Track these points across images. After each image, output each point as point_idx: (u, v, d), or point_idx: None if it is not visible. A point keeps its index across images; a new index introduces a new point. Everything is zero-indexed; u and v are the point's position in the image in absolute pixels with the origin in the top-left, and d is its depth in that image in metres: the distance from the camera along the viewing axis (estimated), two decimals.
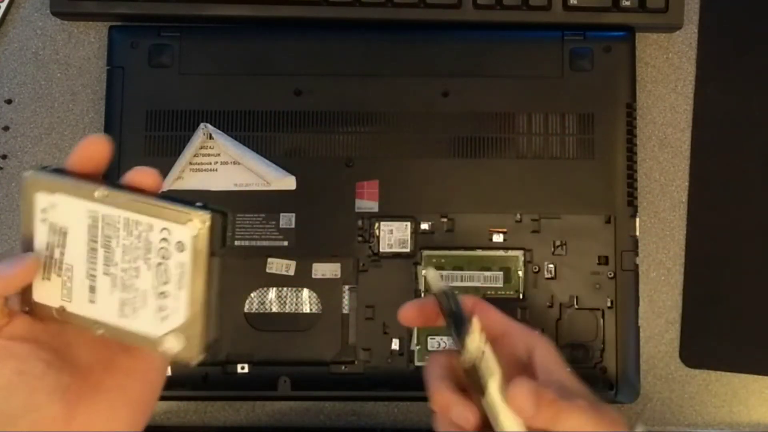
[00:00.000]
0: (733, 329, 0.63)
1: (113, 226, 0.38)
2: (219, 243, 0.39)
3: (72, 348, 0.39)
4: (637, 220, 0.61)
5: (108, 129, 0.62)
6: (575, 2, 0.63)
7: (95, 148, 0.40)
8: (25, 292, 0.39)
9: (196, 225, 0.39)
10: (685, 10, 0.64)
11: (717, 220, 0.64)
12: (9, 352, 0.37)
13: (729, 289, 0.63)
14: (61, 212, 0.39)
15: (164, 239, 0.38)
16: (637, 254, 0.61)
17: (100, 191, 0.38)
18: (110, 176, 0.60)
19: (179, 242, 0.38)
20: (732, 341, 0.63)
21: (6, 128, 0.65)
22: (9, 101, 0.65)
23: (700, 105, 0.65)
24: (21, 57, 0.66)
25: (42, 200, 0.39)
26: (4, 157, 0.65)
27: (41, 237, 0.39)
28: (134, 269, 0.38)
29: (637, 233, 0.61)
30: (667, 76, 0.66)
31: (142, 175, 0.39)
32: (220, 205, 0.40)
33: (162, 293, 0.38)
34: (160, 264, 0.38)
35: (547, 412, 0.39)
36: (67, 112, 0.65)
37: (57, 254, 0.39)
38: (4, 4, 0.65)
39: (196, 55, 0.62)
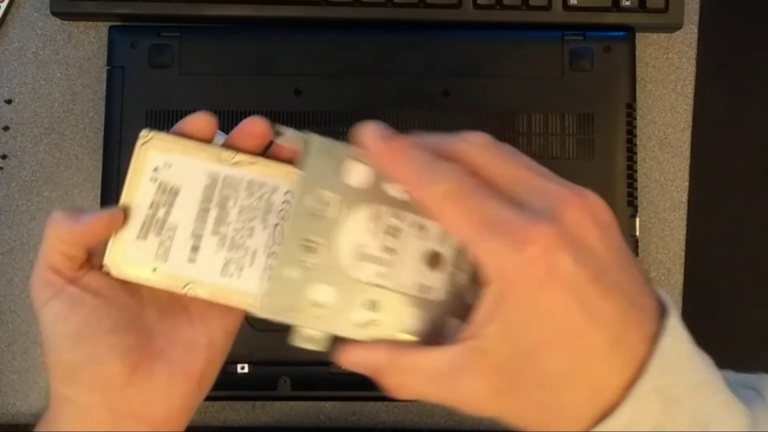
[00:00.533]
0: (733, 329, 0.63)
1: (233, 187, 0.38)
2: None
3: (144, 313, 0.39)
4: (637, 220, 0.61)
5: (108, 129, 0.62)
6: (575, 2, 0.63)
7: (204, 123, 0.40)
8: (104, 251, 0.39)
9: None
10: (685, 10, 0.64)
11: (717, 220, 0.64)
12: (82, 301, 0.38)
13: (729, 289, 0.63)
14: (177, 172, 0.39)
15: (286, 202, 0.38)
16: (637, 254, 0.61)
17: (227, 153, 0.39)
18: (107, 185, 0.61)
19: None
20: (732, 341, 0.63)
21: (6, 128, 0.65)
22: (9, 101, 0.65)
23: (700, 105, 0.65)
24: (21, 57, 0.66)
25: (156, 159, 0.40)
26: (4, 157, 0.65)
27: (146, 196, 0.39)
28: (248, 229, 0.38)
29: (637, 233, 0.61)
30: (667, 76, 0.66)
31: (251, 124, 0.39)
32: None
33: (274, 253, 0.37)
34: (277, 225, 0.38)
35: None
36: (67, 112, 0.65)
37: (161, 214, 0.39)
38: (4, 4, 0.65)
39: (196, 55, 0.62)
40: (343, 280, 0.34)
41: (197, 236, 0.38)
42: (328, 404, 0.62)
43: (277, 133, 0.37)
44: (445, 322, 0.34)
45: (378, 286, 0.35)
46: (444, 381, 0.31)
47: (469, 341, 0.31)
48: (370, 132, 0.35)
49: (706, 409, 0.31)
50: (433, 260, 0.35)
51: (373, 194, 0.35)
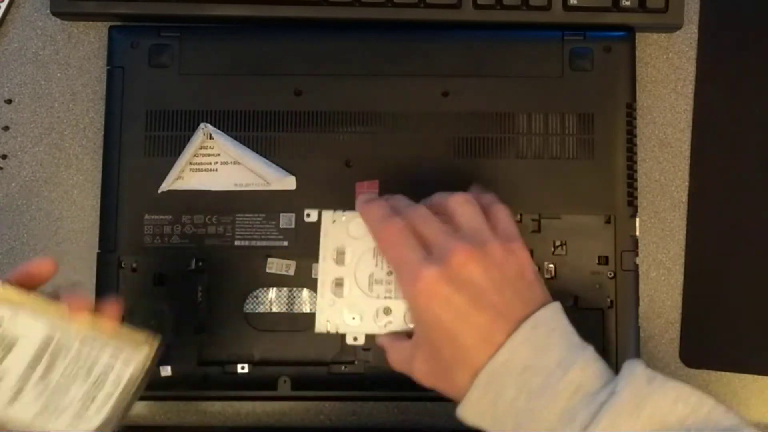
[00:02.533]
0: (733, 329, 0.63)
1: (67, 345, 0.46)
2: (155, 363, 0.49)
3: None
4: (637, 220, 0.61)
5: (108, 129, 0.62)
6: (575, 2, 0.63)
7: (41, 269, 0.47)
8: None
9: (144, 349, 0.48)
10: (685, 10, 0.64)
11: (717, 220, 0.64)
12: None
13: (729, 289, 0.63)
14: (18, 324, 0.45)
15: (113, 356, 0.47)
16: (637, 254, 0.61)
17: (63, 311, 0.46)
18: (107, 186, 0.61)
19: (126, 360, 0.48)
20: (732, 341, 0.63)
21: (6, 128, 0.65)
22: (9, 101, 0.65)
23: (700, 105, 0.65)
24: (21, 57, 0.66)
25: (2, 310, 0.45)
26: (4, 157, 0.65)
27: None
28: (72, 377, 0.46)
29: (637, 233, 0.61)
30: (667, 76, 0.66)
31: (38, 266, 0.47)
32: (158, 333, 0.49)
33: (91, 398, 0.47)
34: (99, 375, 0.47)
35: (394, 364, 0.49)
36: (67, 112, 0.65)
37: None
38: (4, 4, 0.65)
39: (196, 55, 0.62)
40: (365, 300, 0.49)
41: (23, 380, 0.45)
42: (328, 404, 0.62)
43: (308, 215, 0.54)
44: None
45: (387, 298, 0.49)
46: (408, 362, 0.48)
47: (413, 338, 0.48)
48: (360, 198, 0.50)
49: (571, 357, 0.43)
50: None
51: (370, 240, 0.49)
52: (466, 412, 0.45)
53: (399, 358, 0.49)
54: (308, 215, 0.54)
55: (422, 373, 0.47)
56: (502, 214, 0.49)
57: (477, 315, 0.44)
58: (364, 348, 0.59)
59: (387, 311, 0.49)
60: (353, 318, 0.49)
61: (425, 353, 0.46)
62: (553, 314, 0.46)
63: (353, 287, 0.50)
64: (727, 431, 0.41)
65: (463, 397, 0.44)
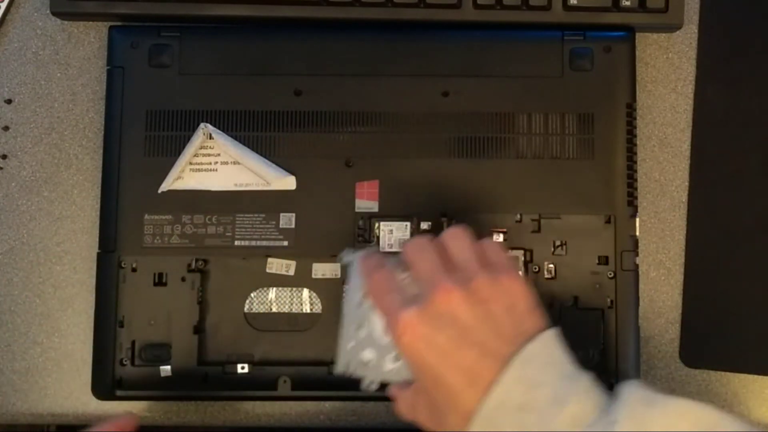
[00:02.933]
0: (733, 329, 0.63)
1: None
2: None
3: None
4: (637, 220, 0.61)
5: (108, 129, 0.62)
6: (575, 2, 0.63)
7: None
8: None
9: None
10: (685, 10, 0.64)
11: (717, 220, 0.64)
12: None
13: (729, 289, 0.63)
14: None
15: None
16: (637, 254, 0.61)
17: None
18: (107, 186, 0.61)
19: None
20: (732, 341, 0.63)
21: (6, 128, 0.65)
22: (9, 101, 0.65)
23: (700, 105, 0.65)
24: (21, 57, 0.66)
25: None
26: (4, 157, 0.65)
27: None
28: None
29: (637, 233, 0.61)
30: (667, 76, 0.66)
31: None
32: None
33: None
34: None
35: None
36: (67, 112, 0.65)
37: None
38: (4, 4, 0.65)
39: (196, 55, 0.62)
40: (378, 345, 0.49)
41: None
42: (328, 404, 0.62)
43: (339, 258, 0.54)
44: None
45: None
46: (412, 410, 0.48)
47: (414, 385, 0.48)
48: (360, 256, 0.50)
49: (566, 391, 0.42)
50: None
51: None
52: None
53: (404, 407, 0.48)
54: (344, 256, 0.52)
55: (424, 419, 0.46)
56: (494, 246, 0.48)
57: (461, 354, 0.43)
58: None
59: (397, 358, 0.49)
60: (366, 362, 0.50)
61: (423, 400, 0.46)
62: (545, 346, 0.44)
63: (370, 331, 0.50)
64: None
65: None
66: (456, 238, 0.47)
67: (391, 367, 0.49)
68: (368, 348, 0.50)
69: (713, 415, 0.40)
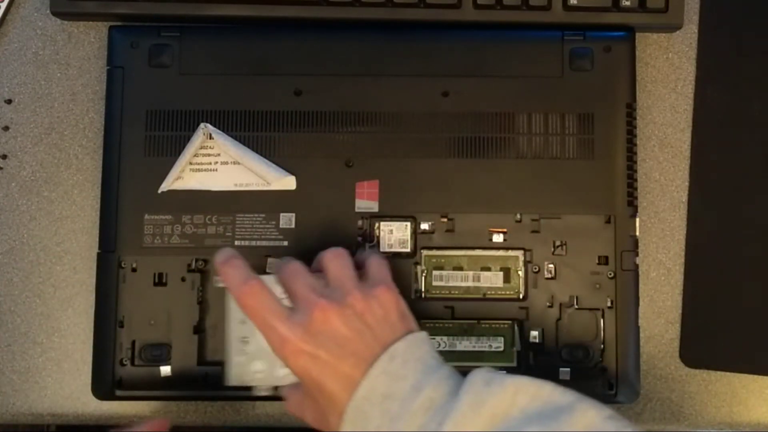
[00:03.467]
0: (733, 329, 0.63)
1: None
2: None
3: None
4: (637, 220, 0.61)
5: (108, 129, 0.62)
6: (575, 2, 0.63)
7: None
8: None
9: None
10: (685, 10, 0.64)
11: (717, 220, 0.64)
12: None
13: (729, 289, 0.63)
14: None
15: None
16: (637, 254, 0.61)
17: None
18: (107, 186, 0.61)
19: None
20: (732, 341, 0.63)
21: (6, 128, 0.65)
22: (9, 101, 0.65)
23: (700, 105, 0.65)
24: (21, 57, 0.66)
25: None
26: (4, 157, 0.65)
27: None
28: None
29: (637, 233, 0.61)
30: (667, 76, 0.66)
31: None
32: None
33: None
34: None
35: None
36: (67, 112, 0.65)
37: None
38: (4, 4, 0.65)
39: (196, 55, 0.62)
40: (267, 355, 0.52)
41: None
42: None
43: (216, 282, 0.56)
44: None
45: None
46: (300, 409, 0.52)
47: (303, 388, 0.51)
48: (217, 256, 0.53)
49: (425, 379, 0.47)
50: None
51: None
52: None
53: (293, 406, 0.53)
54: (216, 281, 0.56)
55: (311, 419, 0.51)
56: (374, 260, 0.53)
57: (341, 364, 0.48)
58: None
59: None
60: (258, 372, 0.54)
61: (310, 402, 0.51)
62: (411, 344, 0.49)
63: (258, 344, 0.53)
64: (565, 407, 0.44)
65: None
66: (335, 258, 0.52)
67: (282, 374, 0.53)
68: (258, 360, 0.54)
69: (547, 388, 0.45)
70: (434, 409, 0.46)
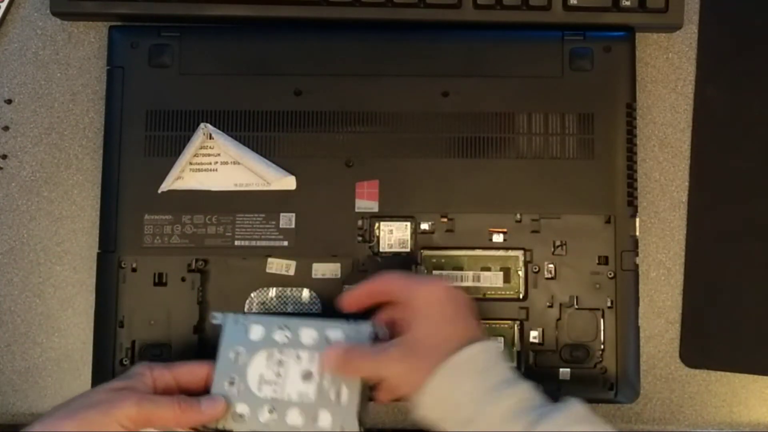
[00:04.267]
0: (733, 329, 0.63)
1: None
2: None
3: None
4: (637, 220, 0.61)
5: (108, 129, 0.62)
6: (575, 2, 0.63)
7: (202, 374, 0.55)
8: None
9: None
10: (685, 10, 0.64)
11: (717, 220, 0.64)
12: None
13: (729, 289, 0.63)
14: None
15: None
16: (637, 254, 0.61)
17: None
18: (107, 185, 0.61)
19: None
20: (732, 341, 0.63)
21: (6, 128, 0.65)
22: (9, 101, 0.65)
23: (700, 105, 0.65)
24: (21, 57, 0.66)
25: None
26: (4, 157, 0.65)
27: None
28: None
29: (637, 233, 0.61)
30: (667, 76, 0.66)
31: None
32: None
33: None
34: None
35: (350, 365, 0.52)
36: (67, 112, 0.65)
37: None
38: (4, 4, 0.65)
39: (196, 55, 0.62)
40: (252, 399, 0.53)
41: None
42: None
43: (213, 318, 0.56)
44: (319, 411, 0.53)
45: (274, 399, 0.53)
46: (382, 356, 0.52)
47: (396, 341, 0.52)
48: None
49: (520, 379, 0.51)
50: (306, 376, 0.54)
51: (266, 342, 0.54)
52: (422, 400, 0.50)
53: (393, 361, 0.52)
54: (214, 318, 0.56)
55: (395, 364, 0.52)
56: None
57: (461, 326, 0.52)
58: None
59: (271, 410, 0.53)
60: (241, 415, 0.53)
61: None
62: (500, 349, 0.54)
63: (245, 387, 0.54)
64: None
65: (424, 384, 0.49)
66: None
67: (264, 420, 0.53)
68: (241, 402, 0.53)
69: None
70: (525, 405, 0.49)
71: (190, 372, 0.54)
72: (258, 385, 0.54)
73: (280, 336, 0.54)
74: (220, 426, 0.53)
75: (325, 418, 0.53)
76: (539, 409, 0.49)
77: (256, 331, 0.55)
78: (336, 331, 0.54)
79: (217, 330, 0.55)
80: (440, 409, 0.50)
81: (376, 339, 0.53)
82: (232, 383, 0.54)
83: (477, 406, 0.49)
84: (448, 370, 0.49)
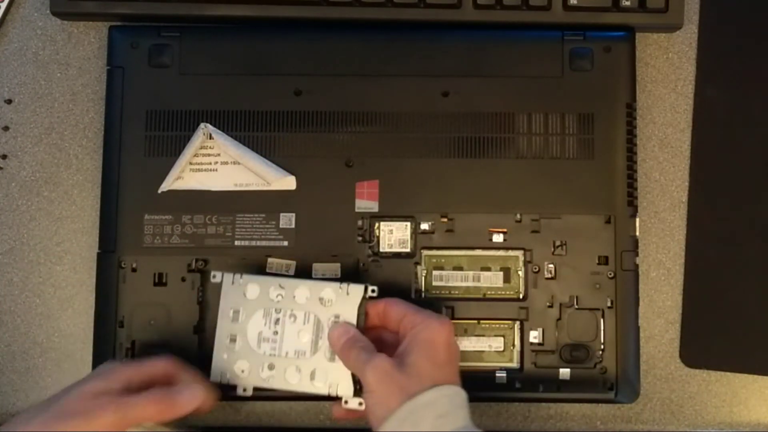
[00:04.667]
0: (733, 329, 0.63)
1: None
2: None
3: None
4: (637, 220, 0.61)
5: (108, 129, 0.62)
6: (575, 2, 0.63)
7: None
8: None
9: None
10: (685, 10, 0.64)
11: (717, 220, 0.64)
12: None
13: (729, 289, 0.63)
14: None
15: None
16: (637, 254, 0.61)
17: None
18: (107, 185, 0.61)
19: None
20: (732, 341, 0.63)
21: (6, 128, 0.65)
22: (9, 101, 0.65)
23: (700, 105, 0.65)
24: (21, 57, 0.66)
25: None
26: (4, 157, 0.65)
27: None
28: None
29: (637, 233, 0.61)
30: (667, 76, 0.66)
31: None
32: None
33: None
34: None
35: (346, 355, 0.54)
36: (67, 112, 0.65)
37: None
38: (4, 4, 0.65)
39: (196, 55, 0.62)
40: (252, 355, 0.56)
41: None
42: (328, 404, 0.62)
43: (213, 276, 0.57)
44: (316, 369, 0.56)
45: (272, 355, 0.56)
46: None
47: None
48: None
49: (474, 429, 0.51)
50: (302, 335, 0.56)
51: (263, 301, 0.57)
52: None
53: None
54: (214, 276, 0.57)
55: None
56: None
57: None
58: None
59: (271, 367, 0.56)
60: (242, 371, 0.56)
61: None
62: (464, 395, 0.53)
63: (244, 343, 0.56)
64: None
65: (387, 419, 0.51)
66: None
67: (265, 376, 0.56)
68: (242, 359, 0.56)
69: None
70: None
71: (154, 366, 0.55)
72: (257, 342, 0.56)
73: (275, 295, 0.57)
74: (224, 381, 0.56)
75: (320, 377, 0.56)
76: None
77: (253, 291, 0.57)
78: (329, 292, 0.56)
79: (216, 325, 0.55)
80: None
81: (367, 301, 0.56)
82: (233, 340, 0.56)
83: None
84: (406, 412, 0.50)
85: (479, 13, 0.63)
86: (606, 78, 0.62)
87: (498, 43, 0.63)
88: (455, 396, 0.52)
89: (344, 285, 0.57)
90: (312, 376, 0.56)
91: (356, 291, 0.56)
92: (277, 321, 0.56)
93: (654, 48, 0.66)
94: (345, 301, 0.56)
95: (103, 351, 0.60)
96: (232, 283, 0.57)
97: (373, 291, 0.56)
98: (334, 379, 0.55)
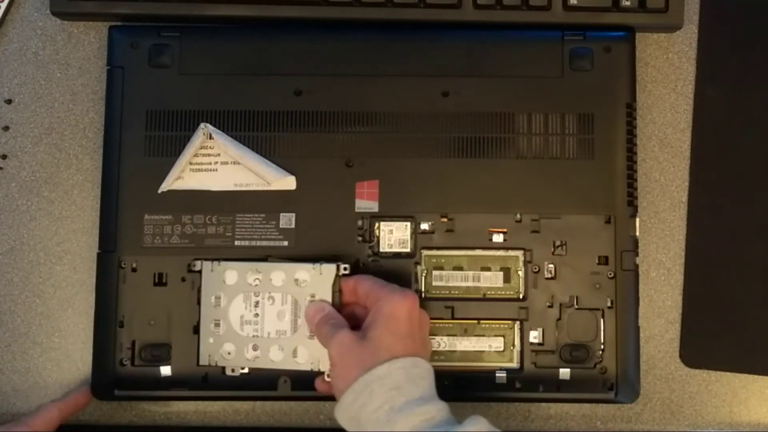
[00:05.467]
0: (733, 329, 0.63)
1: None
2: None
3: None
4: (637, 220, 0.61)
5: (108, 129, 0.62)
6: (575, 2, 0.63)
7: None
8: None
9: None
10: (685, 10, 0.64)
11: (717, 220, 0.64)
12: None
13: (729, 289, 0.63)
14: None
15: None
16: (637, 254, 0.61)
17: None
18: (107, 185, 0.61)
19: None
20: (732, 341, 0.63)
21: (6, 128, 0.65)
22: (9, 101, 0.65)
23: (700, 105, 0.65)
24: (21, 57, 0.66)
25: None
26: (4, 157, 0.65)
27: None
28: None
29: (637, 233, 0.61)
30: (667, 76, 0.66)
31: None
32: None
33: None
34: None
35: (319, 332, 0.56)
36: (67, 112, 0.65)
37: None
38: (4, 4, 0.65)
39: (196, 55, 0.62)
40: (237, 338, 0.59)
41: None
42: (328, 404, 0.62)
43: (193, 265, 0.60)
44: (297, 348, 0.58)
45: (255, 336, 0.58)
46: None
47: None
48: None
49: (434, 398, 0.52)
50: (281, 315, 0.58)
51: (241, 286, 0.59)
52: (339, 413, 0.53)
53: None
54: (194, 265, 0.60)
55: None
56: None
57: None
58: None
59: (255, 347, 0.58)
60: (228, 353, 0.58)
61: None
62: (429, 366, 0.54)
63: (228, 327, 0.58)
64: None
65: (340, 398, 0.52)
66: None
67: (250, 357, 0.58)
68: (227, 342, 0.58)
69: None
70: (433, 423, 0.50)
71: (42, 418, 0.59)
72: (240, 325, 0.58)
73: (253, 279, 0.59)
74: (212, 363, 0.59)
75: (302, 354, 0.58)
76: (443, 426, 0.50)
77: (231, 276, 0.59)
78: (303, 273, 0.58)
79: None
80: (352, 425, 0.52)
81: (341, 278, 0.58)
82: (217, 325, 0.59)
83: (378, 426, 0.50)
84: (361, 385, 0.51)
85: (479, 13, 0.63)
86: (606, 78, 0.62)
87: (498, 43, 0.63)
88: (412, 368, 0.52)
89: (317, 265, 0.58)
90: (294, 353, 0.58)
91: (329, 270, 0.58)
92: (256, 304, 0.58)
93: (654, 48, 0.66)
94: (319, 280, 0.58)
95: (103, 351, 0.60)
96: (212, 270, 0.59)
97: (345, 269, 0.58)
98: (315, 354, 0.57)
